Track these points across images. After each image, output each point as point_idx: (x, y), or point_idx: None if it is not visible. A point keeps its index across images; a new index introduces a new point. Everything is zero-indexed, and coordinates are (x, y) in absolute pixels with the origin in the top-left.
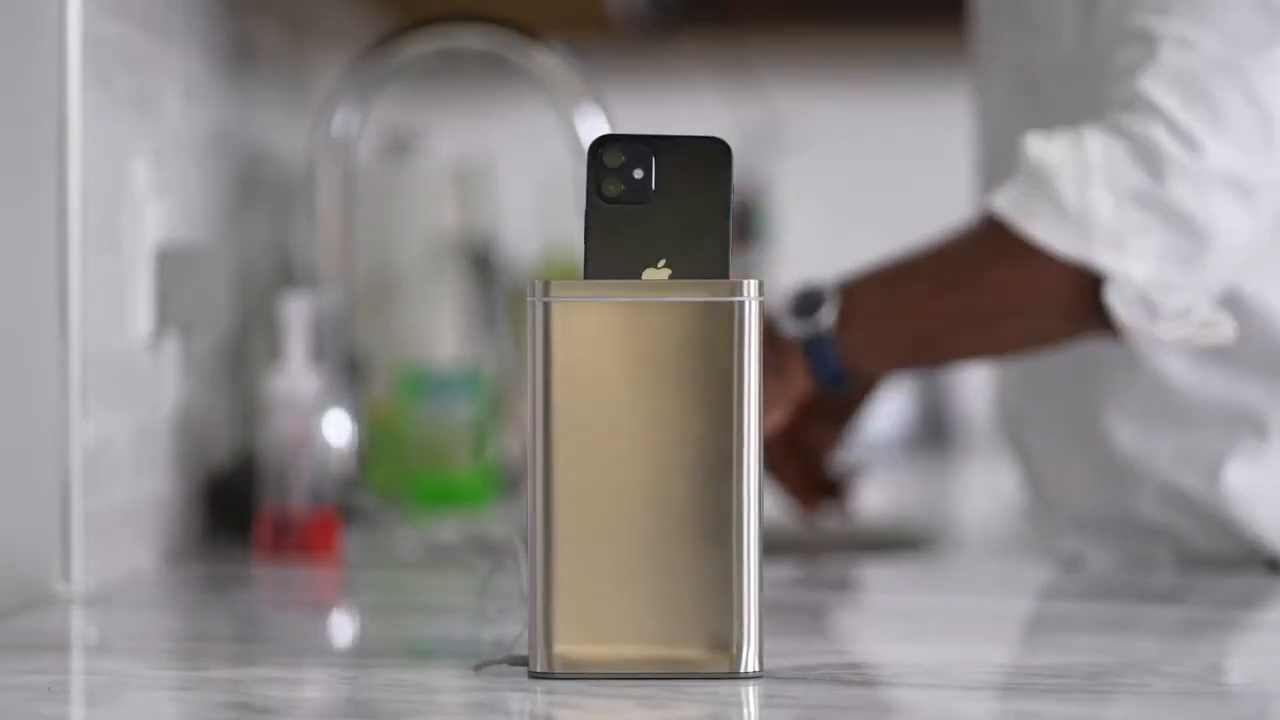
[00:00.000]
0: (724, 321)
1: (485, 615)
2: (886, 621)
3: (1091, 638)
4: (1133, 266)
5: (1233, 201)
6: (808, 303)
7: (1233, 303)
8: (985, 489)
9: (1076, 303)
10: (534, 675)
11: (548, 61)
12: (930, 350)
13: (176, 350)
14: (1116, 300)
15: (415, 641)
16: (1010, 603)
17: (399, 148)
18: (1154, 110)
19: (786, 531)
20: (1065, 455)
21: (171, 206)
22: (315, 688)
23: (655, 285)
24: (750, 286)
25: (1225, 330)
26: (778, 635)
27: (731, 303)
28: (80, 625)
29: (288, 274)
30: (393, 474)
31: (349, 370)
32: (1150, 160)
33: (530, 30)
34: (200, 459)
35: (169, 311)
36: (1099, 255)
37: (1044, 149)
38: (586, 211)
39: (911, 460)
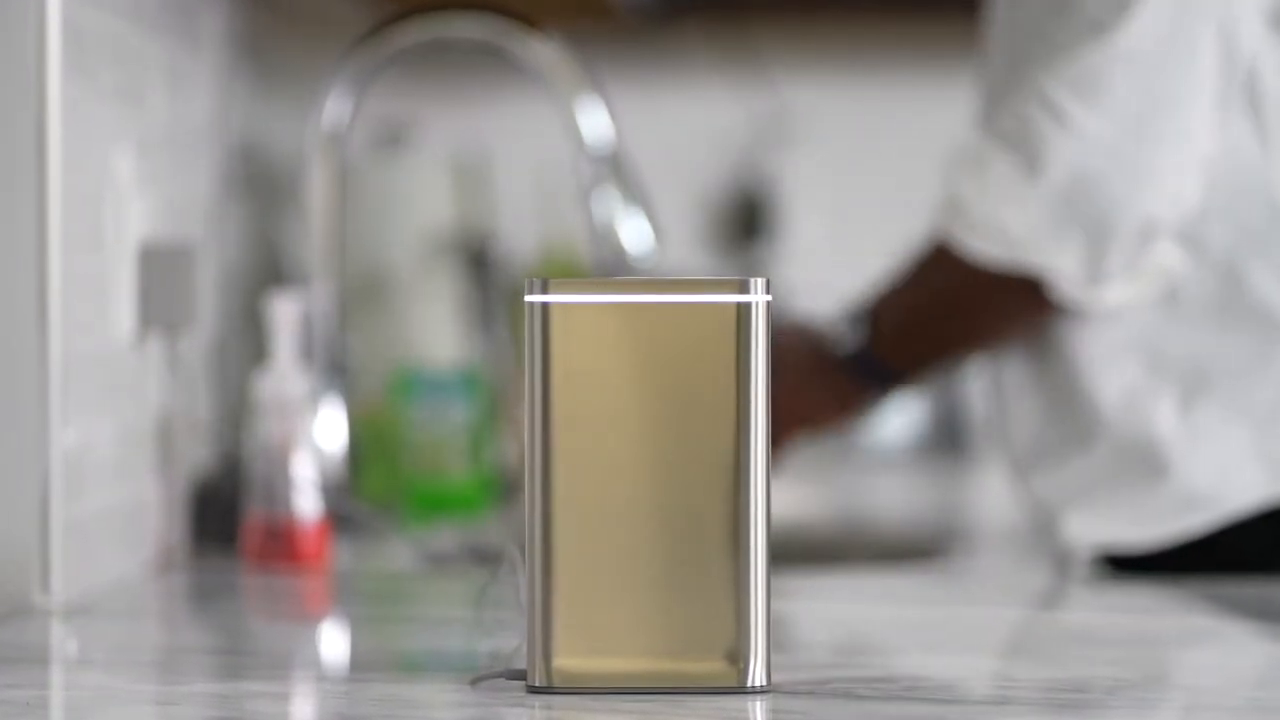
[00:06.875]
0: (730, 322)
1: (482, 627)
2: (900, 633)
3: (1113, 650)
4: (1056, 260)
5: (1120, 181)
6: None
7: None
8: (1000, 496)
9: (1032, 292)
10: (532, 690)
11: (546, 52)
12: (946, 351)
13: (160, 351)
14: (1059, 286)
15: (409, 654)
16: (1027, 613)
17: (392, 140)
18: (1037, 103)
19: (796, 539)
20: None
21: (155, 202)
22: (305, 702)
23: (658, 284)
24: (758, 285)
25: (1175, 267)
26: (786, 648)
27: (738, 303)
28: (60, 637)
29: (276, 272)
30: (385, 479)
31: (339, 371)
32: (1033, 154)
33: (529, 19)
34: (185, 464)
35: (153, 311)
36: (1027, 259)
37: (956, 172)
38: None
39: (925, 467)
